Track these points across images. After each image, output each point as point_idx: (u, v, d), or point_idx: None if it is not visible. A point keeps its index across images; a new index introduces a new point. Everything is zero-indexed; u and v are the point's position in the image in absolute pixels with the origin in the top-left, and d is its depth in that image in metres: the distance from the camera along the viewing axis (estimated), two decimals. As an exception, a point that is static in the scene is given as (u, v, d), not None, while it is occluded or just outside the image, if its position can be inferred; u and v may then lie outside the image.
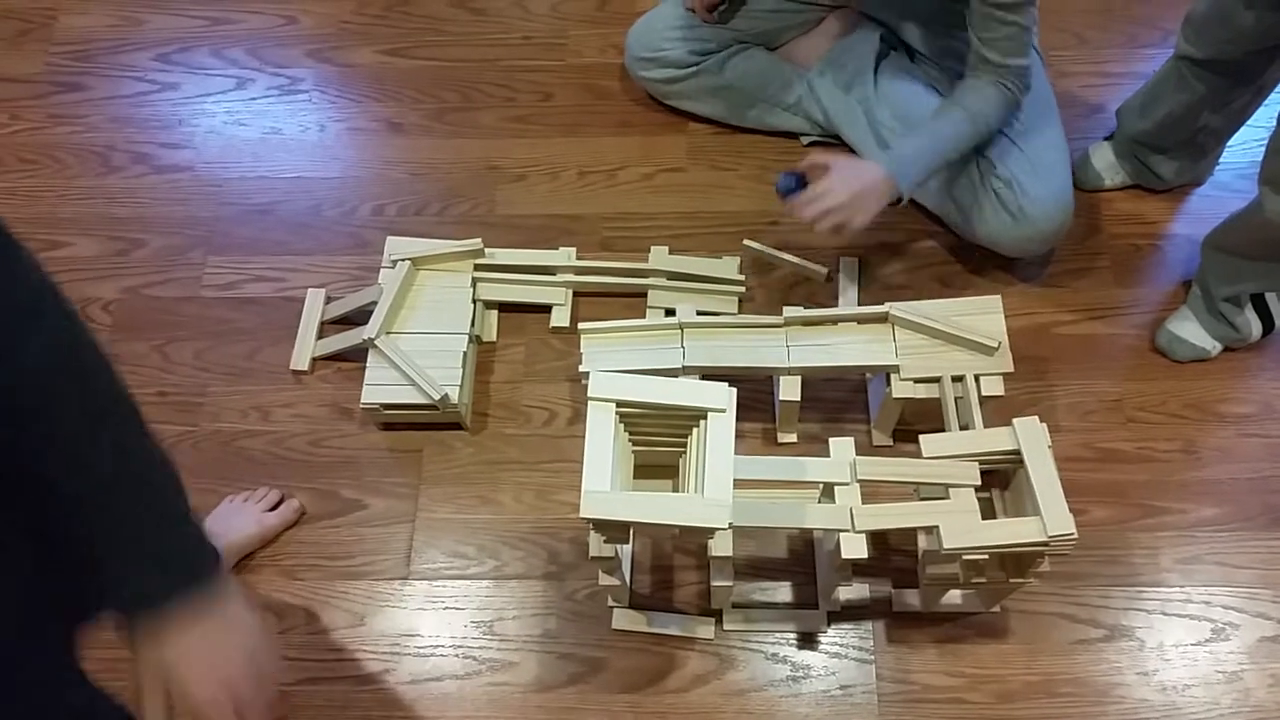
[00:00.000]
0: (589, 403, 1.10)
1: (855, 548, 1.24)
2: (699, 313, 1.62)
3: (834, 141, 1.85)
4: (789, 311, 1.52)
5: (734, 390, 1.11)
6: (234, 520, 1.54)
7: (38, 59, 2.07)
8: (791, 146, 1.88)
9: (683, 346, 1.51)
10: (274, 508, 1.57)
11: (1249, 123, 1.68)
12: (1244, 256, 1.53)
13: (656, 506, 1.07)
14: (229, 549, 1.50)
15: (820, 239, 1.61)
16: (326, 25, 2.08)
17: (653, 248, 1.73)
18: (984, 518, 1.24)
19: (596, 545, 1.27)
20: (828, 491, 1.31)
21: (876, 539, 1.47)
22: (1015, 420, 1.26)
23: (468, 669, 1.48)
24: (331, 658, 1.49)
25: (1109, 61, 1.97)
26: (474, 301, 1.67)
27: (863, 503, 1.27)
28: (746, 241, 1.51)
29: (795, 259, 1.72)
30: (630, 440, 1.19)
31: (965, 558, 1.26)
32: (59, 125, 1.99)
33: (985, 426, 1.37)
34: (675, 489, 1.23)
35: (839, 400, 1.65)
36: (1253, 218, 1.45)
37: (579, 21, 2.06)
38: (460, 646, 1.49)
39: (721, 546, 1.27)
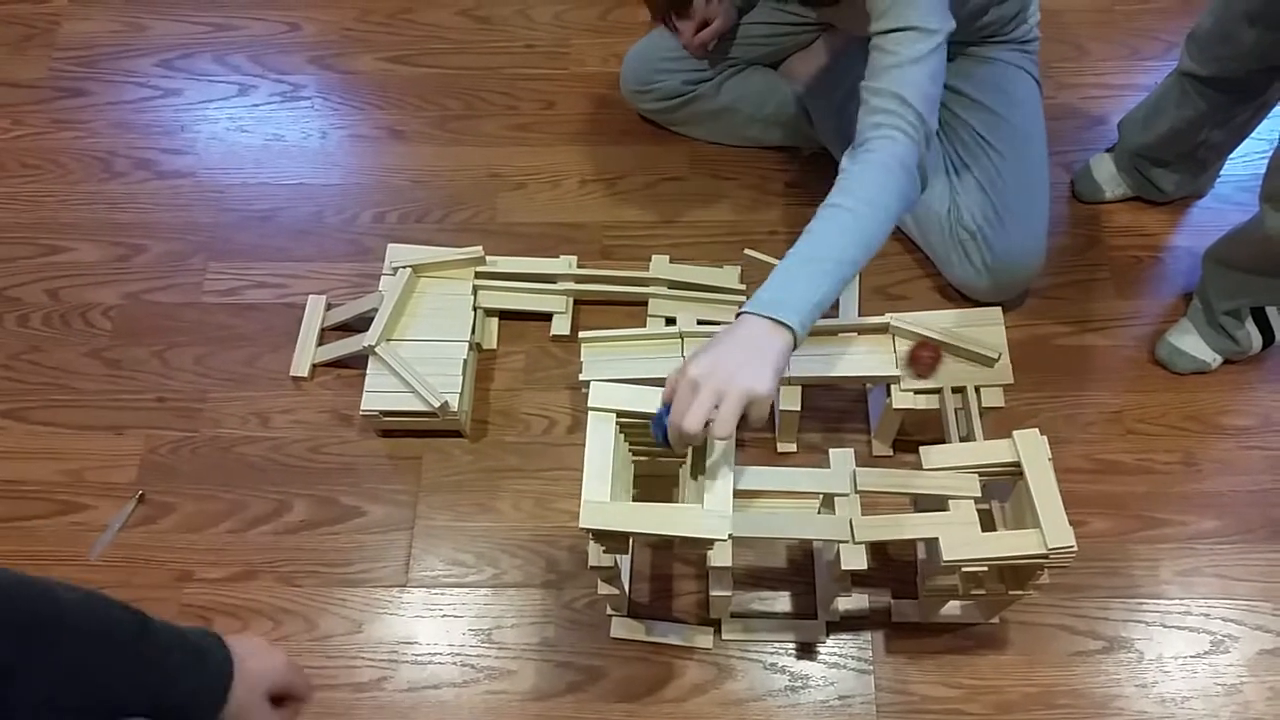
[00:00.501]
0: (589, 413, 1.11)
1: (855, 559, 1.24)
2: (700, 322, 1.63)
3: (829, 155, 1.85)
4: (789, 321, 1.52)
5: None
6: None
7: (41, 64, 2.07)
8: (793, 158, 1.89)
9: (683, 355, 1.51)
10: None
11: (1250, 136, 1.68)
12: (1245, 270, 1.53)
13: (656, 517, 1.07)
14: None
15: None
16: (329, 32, 2.09)
17: (653, 256, 1.73)
18: (984, 529, 1.24)
19: (596, 555, 1.27)
20: (827, 502, 1.31)
21: (875, 550, 1.46)
22: (1015, 432, 1.26)
23: (465, 677, 1.48)
24: (329, 665, 1.49)
25: (1110, 73, 1.97)
26: (474, 309, 1.68)
27: (862, 513, 1.27)
28: (748, 251, 1.51)
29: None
30: (630, 450, 1.19)
31: (965, 569, 1.26)
32: (62, 130, 1.99)
33: (985, 438, 1.37)
34: (675, 499, 1.23)
35: (839, 410, 1.65)
36: (1254, 233, 1.46)
37: (582, 31, 2.07)
38: (458, 654, 1.49)
39: (721, 557, 1.27)
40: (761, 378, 1.06)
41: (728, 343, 1.09)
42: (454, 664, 1.49)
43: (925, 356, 1.43)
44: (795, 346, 1.12)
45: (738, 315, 1.13)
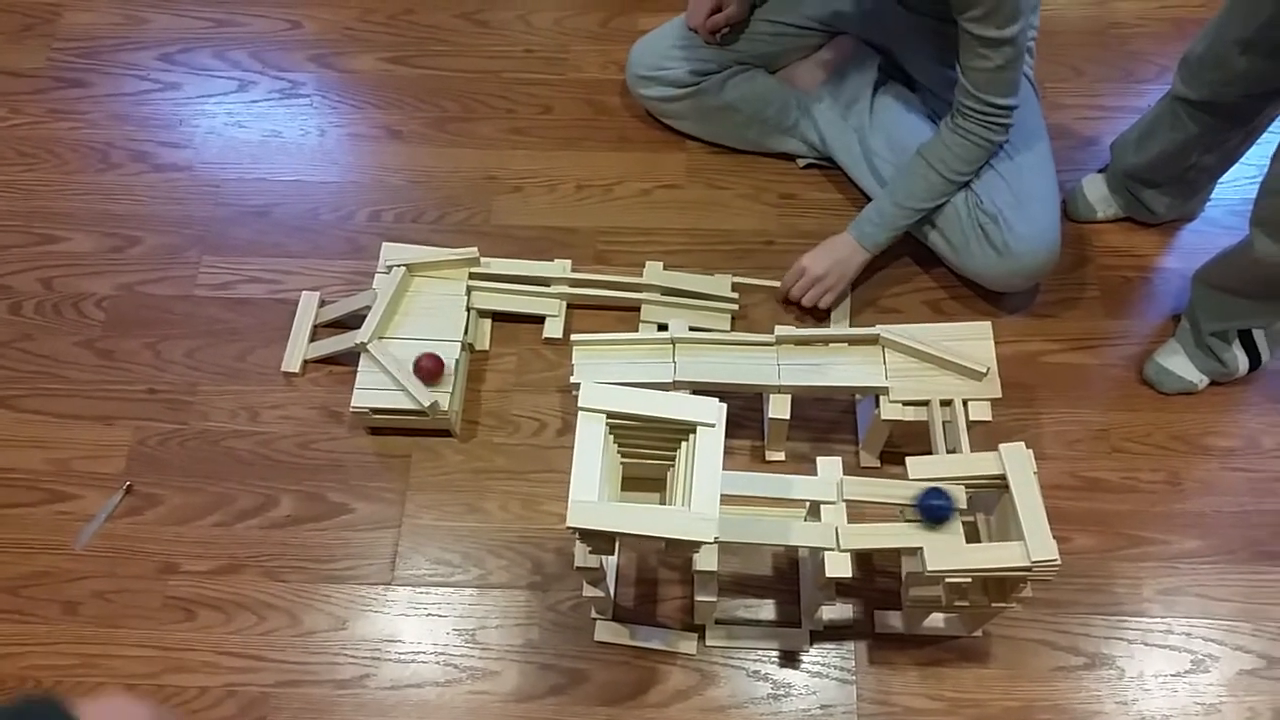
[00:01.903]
0: (579, 413, 1.11)
1: (840, 567, 1.25)
2: (691, 328, 1.63)
3: (829, 164, 1.86)
4: (781, 330, 1.53)
5: (724, 405, 1.12)
6: None
7: (40, 54, 2.07)
8: (788, 168, 1.90)
9: (674, 361, 1.52)
10: None
11: (1241, 160, 1.70)
12: (1233, 293, 1.55)
13: (643, 518, 1.07)
14: None
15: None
16: (330, 31, 2.09)
17: (647, 263, 1.74)
18: (968, 541, 1.24)
19: (582, 556, 1.27)
20: (814, 510, 1.31)
21: (860, 559, 1.48)
22: (1001, 446, 1.27)
23: (448, 676, 1.48)
24: (312, 661, 1.49)
25: (1104, 95, 1.99)
26: (468, 310, 1.68)
27: (848, 522, 1.27)
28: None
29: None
30: (619, 452, 1.19)
31: (948, 580, 1.27)
32: (59, 120, 1.99)
33: (972, 451, 1.38)
34: (662, 502, 1.23)
35: (828, 420, 1.66)
36: (1242, 256, 1.47)
37: (581, 37, 2.08)
38: (441, 654, 1.49)
39: (706, 561, 1.27)
40: (847, 280, 1.69)
41: (841, 255, 1.66)
42: (437, 663, 1.49)
43: (426, 366, 1.57)
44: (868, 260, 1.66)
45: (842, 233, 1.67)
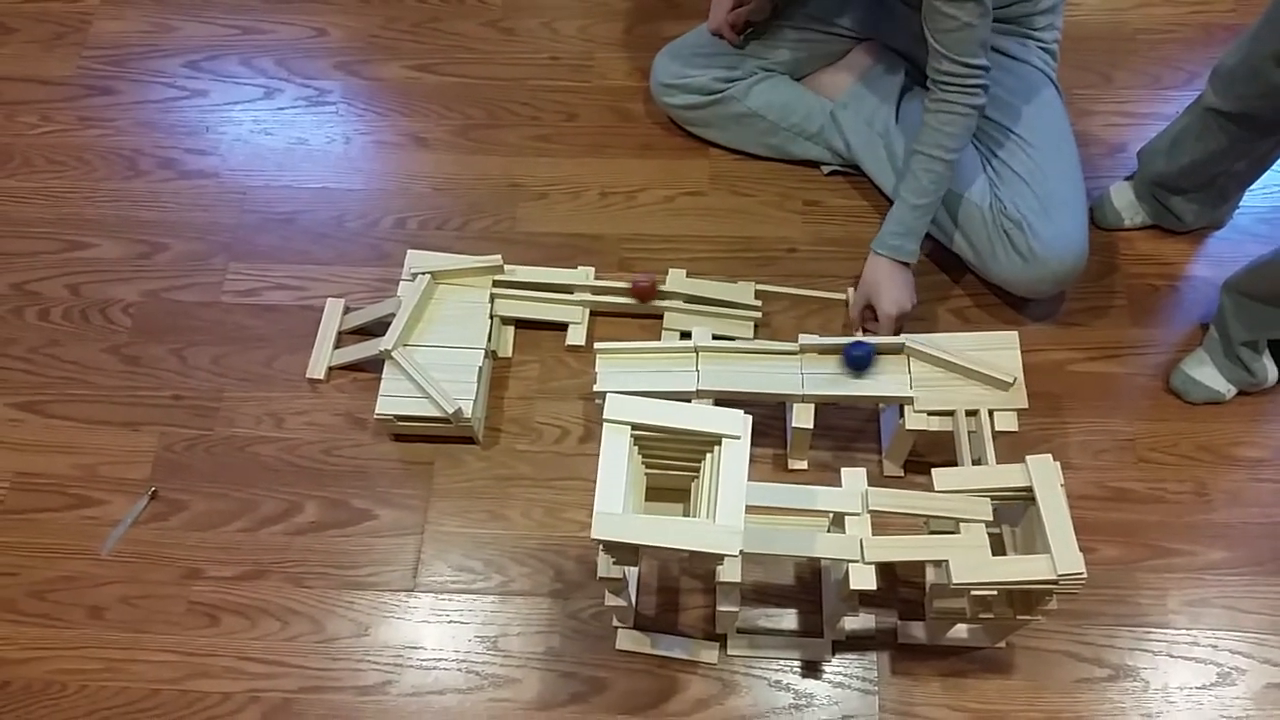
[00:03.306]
0: (604, 424, 1.11)
1: (864, 579, 1.24)
2: (715, 336, 1.63)
3: (853, 171, 1.86)
4: (804, 339, 1.53)
5: (749, 418, 1.12)
6: None
7: (70, 62, 2.10)
8: (812, 175, 1.89)
9: (698, 370, 1.52)
10: None
11: (1271, 168, 1.68)
12: (1266, 303, 1.53)
13: (667, 531, 1.07)
14: None
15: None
16: (356, 39, 2.10)
17: (670, 270, 1.74)
18: (994, 553, 1.24)
19: (605, 566, 1.27)
20: (838, 521, 1.31)
21: (883, 570, 1.46)
22: (1028, 457, 1.26)
23: (470, 683, 1.48)
24: (335, 666, 1.49)
25: (1132, 101, 1.97)
26: (491, 317, 1.68)
27: (872, 533, 1.27)
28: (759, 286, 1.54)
29: (814, 293, 1.74)
30: (643, 462, 1.19)
31: (974, 593, 1.26)
32: (88, 128, 2.01)
33: (997, 461, 1.37)
34: (686, 513, 1.23)
35: (851, 429, 1.65)
36: (1277, 266, 1.45)
37: (606, 44, 2.08)
38: (463, 661, 1.50)
39: (730, 572, 1.27)
40: (908, 295, 1.63)
41: (893, 280, 1.62)
42: (459, 670, 1.49)
43: (642, 286, 1.64)
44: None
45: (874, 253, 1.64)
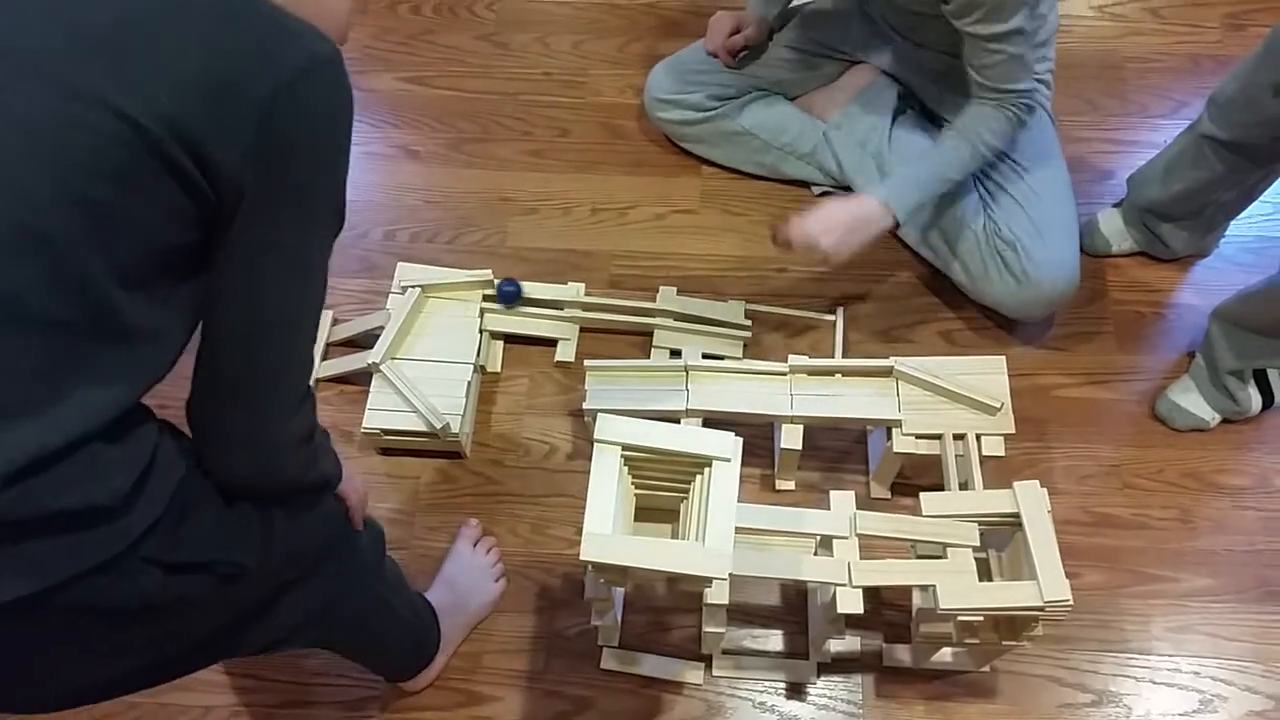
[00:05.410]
0: (594, 444, 1.11)
1: (851, 603, 1.24)
2: (704, 355, 1.63)
3: (845, 192, 1.86)
4: (794, 359, 1.53)
5: (740, 440, 1.12)
6: (475, 582, 1.52)
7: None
8: (804, 195, 1.90)
9: (687, 389, 1.52)
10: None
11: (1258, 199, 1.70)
12: (1255, 332, 1.54)
13: (656, 553, 1.07)
14: (464, 619, 1.50)
15: (829, 289, 1.62)
16: (349, 50, 2.06)
17: (661, 288, 1.74)
18: (980, 579, 1.24)
19: (592, 586, 1.27)
20: (825, 543, 1.31)
21: (869, 593, 1.47)
22: (1016, 484, 1.27)
23: (452, 701, 1.47)
24: (316, 683, 1.48)
25: (1120, 129, 1.99)
26: (480, 331, 1.68)
27: (859, 556, 1.27)
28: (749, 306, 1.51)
29: (804, 313, 1.74)
30: (632, 482, 1.19)
31: (960, 618, 1.27)
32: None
33: (984, 485, 1.38)
34: (674, 534, 1.23)
35: (839, 450, 1.65)
36: (1268, 296, 1.47)
37: (599, 61, 2.08)
38: (446, 678, 1.49)
39: (717, 595, 1.27)
40: (861, 240, 1.55)
41: (863, 211, 1.54)
42: (441, 688, 1.48)
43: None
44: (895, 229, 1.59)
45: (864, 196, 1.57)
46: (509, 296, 1.70)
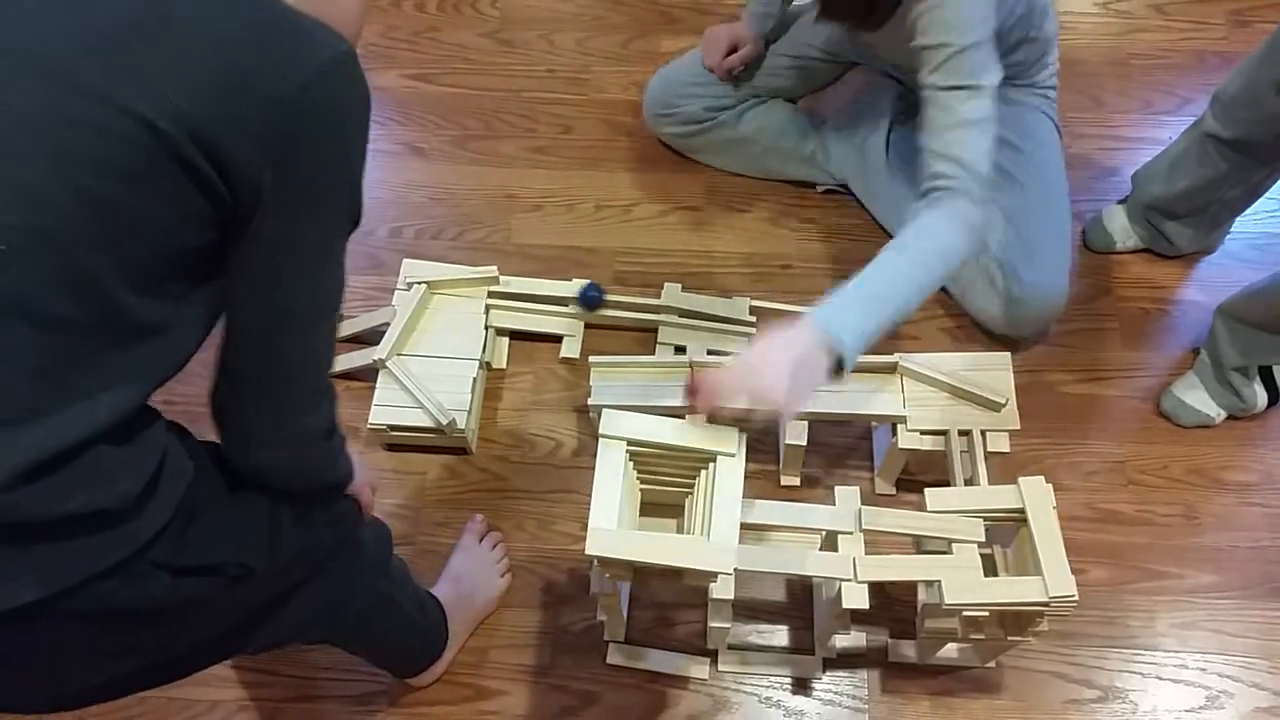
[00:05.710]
0: (600, 440, 1.11)
1: (857, 598, 1.24)
2: (709, 351, 1.64)
3: (847, 190, 1.87)
4: (799, 356, 1.52)
5: (744, 435, 1.12)
6: (481, 577, 1.52)
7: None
8: (807, 193, 1.90)
9: (692, 385, 1.52)
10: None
11: (1263, 195, 1.70)
12: (1261, 329, 1.54)
13: (662, 548, 1.07)
14: (471, 614, 1.50)
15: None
16: (354, 47, 2.10)
17: (665, 284, 1.75)
18: (985, 574, 1.24)
19: (598, 581, 1.27)
20: (830, 539, 1.31)
21: (875, 589, 1.47)
22: (1021, 479, 1.27)
23: (459, 696, 1.48)
24: (323, 677, 1.49)
25: (1125, 126, 1.99)
26: (486, 328, 1.68)
27: (865, 551, 1.27)
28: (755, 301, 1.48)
29: (808, 309, 1.73)
30: (638, 478, 1.19)
31: (965, 614, 1.27)
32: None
33: (989, 482, 1.38)
34: (680, 529, 1.23)
35: (843, 446, 1.66)
36: (1277, 292, 1.47)
37: (603, 58, 2.09)
38: (452, 673, 1.49)
39: (722, 590, 1.27)
40: (800, 395, 1.11)
41: (793, 355, 1.11)
42: (447, 682, 1.48)
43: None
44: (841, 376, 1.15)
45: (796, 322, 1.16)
46: (592, 301, 1.69)
